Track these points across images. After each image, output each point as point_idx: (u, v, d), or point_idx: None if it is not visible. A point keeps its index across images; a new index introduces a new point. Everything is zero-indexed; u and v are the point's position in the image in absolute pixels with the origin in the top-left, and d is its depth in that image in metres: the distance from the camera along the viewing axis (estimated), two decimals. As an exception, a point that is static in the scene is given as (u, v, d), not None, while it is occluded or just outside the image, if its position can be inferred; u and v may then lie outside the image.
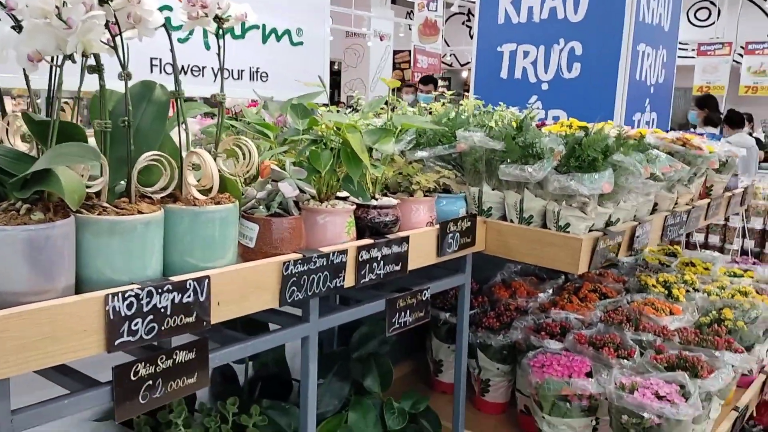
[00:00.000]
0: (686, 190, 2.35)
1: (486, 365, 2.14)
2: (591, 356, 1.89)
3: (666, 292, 2.43)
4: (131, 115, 1.11)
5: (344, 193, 1.55)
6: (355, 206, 1.50)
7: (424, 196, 1.71)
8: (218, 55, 1.20)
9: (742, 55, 14.33)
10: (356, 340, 2.08)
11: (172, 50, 1.15)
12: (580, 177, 1.69)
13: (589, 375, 1.81)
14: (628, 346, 1.95)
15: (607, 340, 1.94)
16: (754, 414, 2.90)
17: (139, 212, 1.08)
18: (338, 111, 1.72)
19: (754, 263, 3.01)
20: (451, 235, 1.72)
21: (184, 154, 1.18)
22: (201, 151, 1.14)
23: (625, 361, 1.86)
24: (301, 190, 1.40)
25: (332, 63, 18.49)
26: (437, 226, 1.69)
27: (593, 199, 1.74)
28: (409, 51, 12.87)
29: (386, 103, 2.09)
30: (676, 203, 2.36)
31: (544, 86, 4.76)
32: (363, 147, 1.45)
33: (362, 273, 1.45)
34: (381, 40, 13.24)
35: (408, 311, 1.65)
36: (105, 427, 1.60)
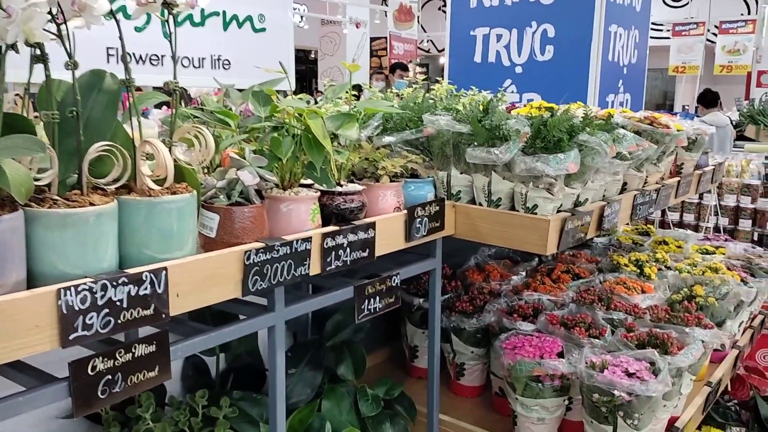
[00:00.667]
0: (655, 169, 2.36)
1: (460, 349, 2.15)
2: (563, 336, 1.90)
3: (638, 270, 2.45)
4: (80, 105, 1.08)
5: (309, 181, 1.53)
6: (319, 193, 1.48)
7: (391, 181, 1.70)
8: (169, 41, 1.18)
9: (716, 35, 14.43)
10: (330, 328, 2.07)
11: (120, 37, 1.12)
12: (545, 158, 1.69)
13: (560, 355, 1.82)
14: (600, 326, 1.96)
15: (578, 320, 1.95)
16: (729, 388, 2.94)
17: (91, 204, 1.05)
18: (316, 100, 1.70)
19: (726, 240, 3.04)
20: (419, 219, 1.71)
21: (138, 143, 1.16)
22: (154, 141, 1.12)
23: (596, 340, 1.87)
24: (263, 178, 1.38)
25: (309, 51, 18.39)
26: (405, 211, 1.68)
27: (560, 180, 1.74)
28: (386, 38, 12.82)
29: (359, 88, 2.07)
30: (645, 182, 2.37)
31: (518, 69, 4.76)
32: (325, 133, 1.43)
33: (328, 260, 1.44)
34: (357, 27, 13.16)
35: (377, 297, 1.64)
36: (72, 424, 1.58)
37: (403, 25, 12.23)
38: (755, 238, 4.43)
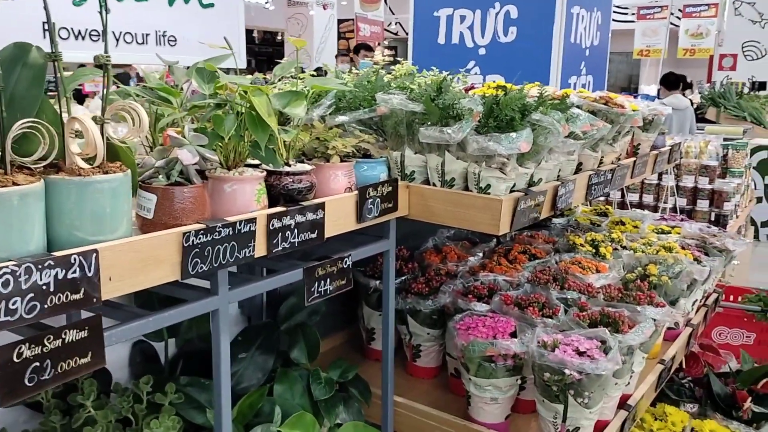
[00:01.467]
0: (611, 149, 2.37)
1: (416, 331, 2.14)
2: (516, 316, 1.90)
3: (593, 250, 2.46)
4: (3, 80, 1.03)
5: (257, 161, 1.49)
6: (265, 173, 1.45)
7: (342, 161, 1.67)
8: (100, 12, 1.12)
9: (680, 18, 14.61)
10: (284, 311, 2.05)
11: (45, 7, 1.06)
12: (498, 137, 1.67)
13: (513, 335, 1.82)
14: (553, 305, 1.96)
15: (532, 300, 1.95)
16: (684, 366, 3.00)
17: (15, 184, 1.00)
18: (267, 79, 1.66)
19: (681, 220, 3.08)
20: (371, 200, 1.69)
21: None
22: (82, 117, 1.07)
23: (549, 319, 1.87)
24: (204, 158, 1.34)
25: (275, 33, 18.13)
26: (356, 191, 1.65)
27: (512, 160, 1.73)
28: (353, 20, 12.68)
29: (323, 72, 2.02)
30: (601, 162, 2.38)
31: (482, 51, 4.75)
32: (270, 111, 1.40)
33: (274, 242, 1.41)
34: (324, 8, 13.00)
35: (328, 279, 1.61)
36: (12, 413, 1.53)
37: (370, 7, 12.12)
38: (712, 218, 4.51)
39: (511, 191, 1.81)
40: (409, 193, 1.85)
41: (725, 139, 5.20)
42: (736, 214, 4.84)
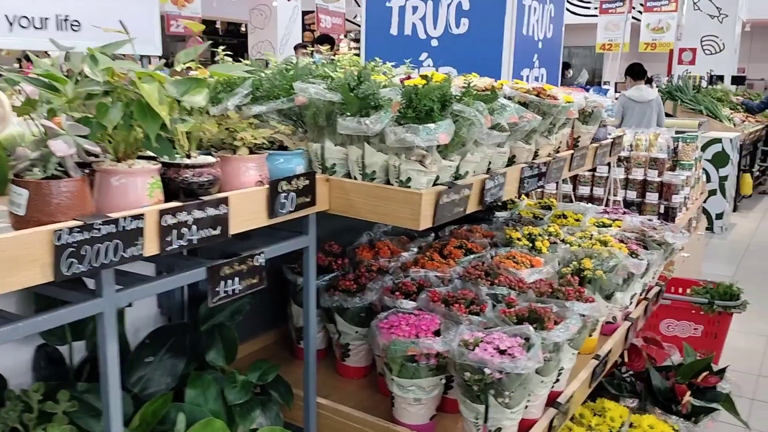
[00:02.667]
0: (546, 142, 2.33)
1: (345, 329, 2.07)
2: (442, 314, 1.84)
3: (530, 245, 2.42)
4: None
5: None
6: (159, 166, 1.36)
7: (254, 153, 1.58)
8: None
9: (641, 12, 14.75)
10: (204, 311, 1.96)
11: None
12: (415, 128, 1.60)
13: (437, 333, 1.76)
14: (482, 302, 1.91)
15: (459, 296, 1.90)
16: (626, 360, 2.99)
17: None
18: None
19: (624, 213, 3.06)
20: (284, 194, 1.61)
21: None
22: (-74, 105, 0.97)
23: (476, 316, 1.82)
24: (87, 150, 1.25)
25: (239, 25, 17.86)
26: (267, 185, 1.57)
27: (432, 152, 1.66)
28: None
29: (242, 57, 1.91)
30: (536, 155, 2.33)
31: (434, 42, 4.69)
32: (162, 99, 1.31)
33: (168, 239, 1.32)
34: (288, 0, 12.83)
35: (237, 279, 1.53)
36: None
37: (331, -2, 11.98)
38: (661, 210, 4.53)
39: (435, 184, 1.74)
40: (329, 187, 1.77)
41: (677, 132, 5.23)
42: (686, 207, 4.87)
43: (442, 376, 1.79)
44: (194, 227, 1.38)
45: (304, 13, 13.45)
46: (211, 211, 1.41)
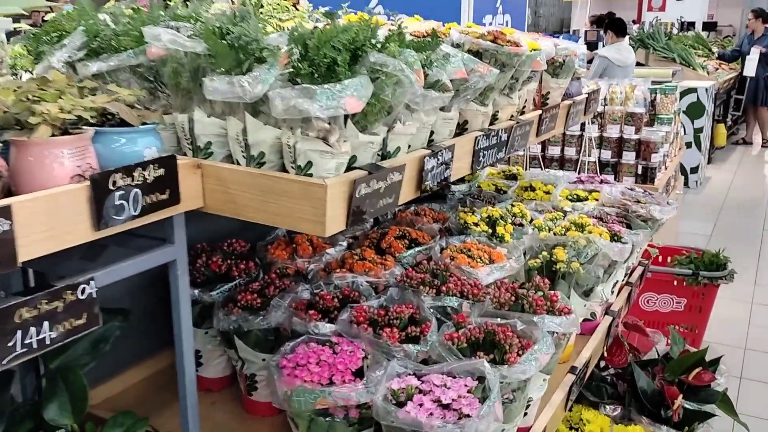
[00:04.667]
0: (507, 102, 1.83)
1: (248, 357, 1.58)
2: (369, 341, 1.36)
3: (489, 230, 1.94)
4: None
5: None
6: None
7: (65, 133, 1.06)
8: None
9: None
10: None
11: None
12: (310, 90, 1.09)
13: (359, 373, 1.29)
14: (423, 320, 1.43)
15: (393, 315, 1.41)
16: (606, 354, 2.56)
17: None
18: None
19: (601, 182, 2.60)
20: (122, 193, 1.09)
21: None
22: None
23: (413, 345, 1.34)
24: None
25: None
26: (89, 181, 1.05)
27: (338, 125, 1.15)
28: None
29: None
30: (496, 119, 1.84)
31: (385, -12, 4.15)
32: None
33: None
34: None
35: (48, 323, 1.02)
36: None
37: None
38: (639, 171, 4.09)
39: (350, 169, 1.24)
40: (202, 176, 1.26)
41: (653, 83, 4.77)
42: (665, 166, 4.45)
43: (368, 430, 1.32)
44: (-56, 260, 0.86)
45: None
46: (-24, 232, 0.89)
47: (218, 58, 1.18)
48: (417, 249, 1.85)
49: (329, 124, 1.14)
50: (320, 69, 1.13)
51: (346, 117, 1.20)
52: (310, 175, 1.18)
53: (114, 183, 1.08)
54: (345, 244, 1.87)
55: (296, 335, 1.44)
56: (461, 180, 2.65)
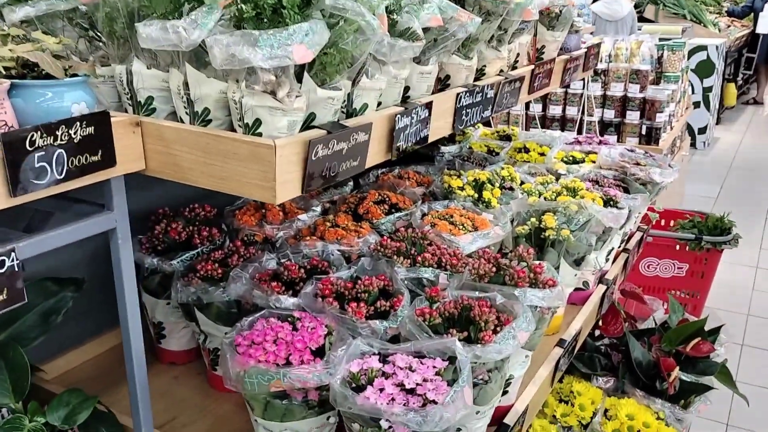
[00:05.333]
0: (495, 55, 1.68)
1: (210, 330, 1.48)
2: (334, 317, 1.25)
3: (475, 195, 1.81)
4: None
5: None
6: None
7: (-25, 87, 0.93)
8: None
9: None
10: (-4, 316, 1.34)
11: None
12: (251, 37, 0.95)
13: (320, 352, 1.18)
14: (396, 293, 1.32)
15: (361, 288, 1.30)
16: (601, 323, 2.46)
17: None
18: None
19: (600, 143, 2.45)
20: (39, 154, 0.96)
21: None
22: None
23: (380, 321, 1.23)
24: None
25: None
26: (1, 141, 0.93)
27: (287, 77, 1.02)
28: None
29: None
30: (483, 73, 1.69)
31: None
32: None
33: None
34: None
35: (-41, 299, 0.91)
36: None
37: None
38: (643, 131, 3.93)
39: (309, 127, 1.11)
40: (142, 134, 1.13)
41: (661, 40, 4.56)
42: (671, 126, 4.28)
43: (329, 414, 1.21)
44: None
45: None
46: None
47: (153, 1, 1.04)
48: (396, 215, 1.73)
49: (276, 76, 1.00)
50: (266, 12, 0.99)
51: (302, 69, 1.07)
52: (260, 134, 1.05)
53: (32, 143, 0.96)
54: (319, 209, 1.75)
55: (259, 309, 1.33)
56: (452, 141, 2.51)
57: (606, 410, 2.06)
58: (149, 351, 1.67)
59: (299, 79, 1.07)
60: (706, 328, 2.37)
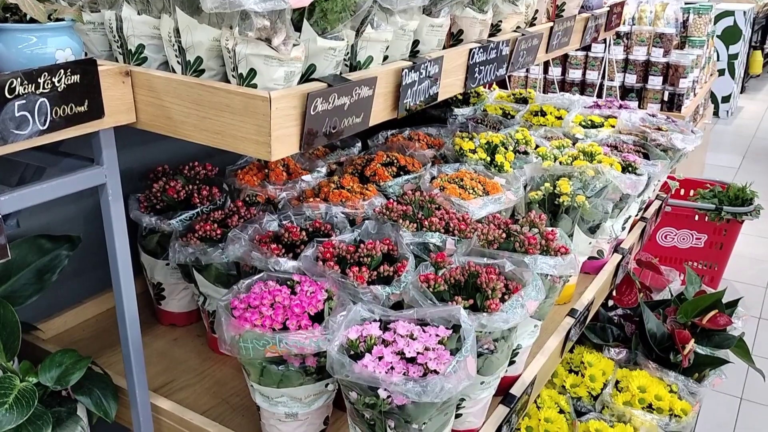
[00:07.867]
0: (512, 10, 1.59)
1: (209, 292, 1.43)
2: (335, 282, 1.20)
3: (488, 159, 1.74)
4: None
5: None
6: None
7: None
8: None
9: None
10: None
11: None
12: (244, -22, 0.88)
13: (318, 318, 1.13)
14: (401, 258, 1.26)
15: (364, 252, 1.24)
16: (615, 293, 2.40)
17: None
18: None
19: (620, 107, 2.35)
20: (19, 102, 0.91)
21: None
22: None
23: (383, 287, 1.17)
24: None
25: None
26: (-22, 88, 0.87)
27: (283, 23, 0.95)
28: None
29: None
30: (498, 29, 1.60)
31: None
32: None
33: None
34: None
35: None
36: None
37: None
38: (665, 97, 3.81)
39: (308, 79, 1.05)
40: (133, 85, 1.07)
41: (686, 3, 4.39)
42: (694, 92, 4.14)
43: (328, 381, 1.17)
44: None
45: None
46: None
47: (141, -61, 0.97)
48: (405, 178, 1.66)
49: (271, 22, 0.93)
50: (260, -49, 0.91)
51: (301, 17, 1.00)
52: (254, 86, 0.98)
53: (12, 90, 0.90)
54: (324, 170, 1.69)
55: (256, 272, 1.28)
56: (466, 102, 2.42)
57: (617, 382, 2.01)
58: (150, 312, 1.66)
59: (299, 28, 1.00)
60: (724, 300, 2.30)
